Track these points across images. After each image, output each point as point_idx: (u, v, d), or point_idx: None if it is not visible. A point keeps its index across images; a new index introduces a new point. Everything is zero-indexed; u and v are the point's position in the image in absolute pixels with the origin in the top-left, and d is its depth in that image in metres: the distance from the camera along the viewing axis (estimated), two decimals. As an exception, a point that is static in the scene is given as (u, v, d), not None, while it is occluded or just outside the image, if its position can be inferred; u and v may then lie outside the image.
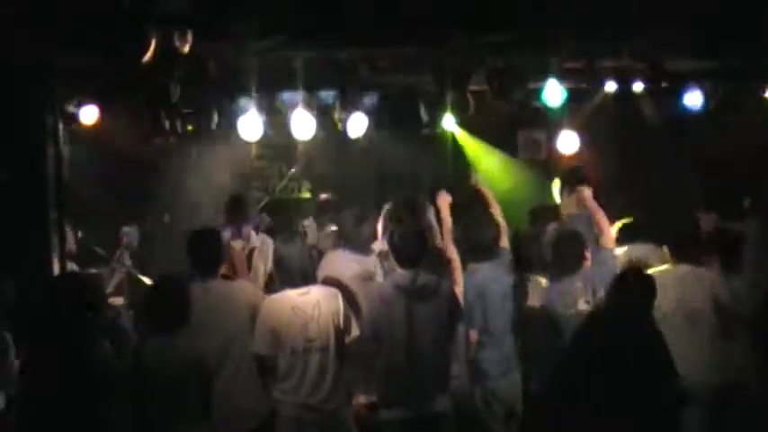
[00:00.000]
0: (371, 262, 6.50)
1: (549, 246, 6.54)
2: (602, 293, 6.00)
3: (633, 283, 5.48)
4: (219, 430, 5.33)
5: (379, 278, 6.44)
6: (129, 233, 6.73)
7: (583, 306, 6.05)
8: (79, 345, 4.97)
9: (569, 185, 7.13)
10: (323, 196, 8.12)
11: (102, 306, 5.43)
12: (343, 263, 6.32)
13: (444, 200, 6.50)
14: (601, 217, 6.44)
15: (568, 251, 6.22)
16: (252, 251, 7.15)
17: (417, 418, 5.59)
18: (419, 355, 5.60)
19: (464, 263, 6.27)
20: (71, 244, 7.04)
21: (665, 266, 6.44)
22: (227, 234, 7.04)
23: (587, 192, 6.64)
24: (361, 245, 6.44)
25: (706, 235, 6.70)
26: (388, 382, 5.67)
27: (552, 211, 7.49)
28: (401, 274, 5.75)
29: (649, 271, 6.11)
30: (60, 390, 4.90)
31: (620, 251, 6.74)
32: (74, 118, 7.78)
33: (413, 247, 5.75)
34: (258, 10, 6.98)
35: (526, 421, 6.22)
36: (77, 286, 5.20)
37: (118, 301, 7.10)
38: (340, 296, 5.85)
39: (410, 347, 5.59)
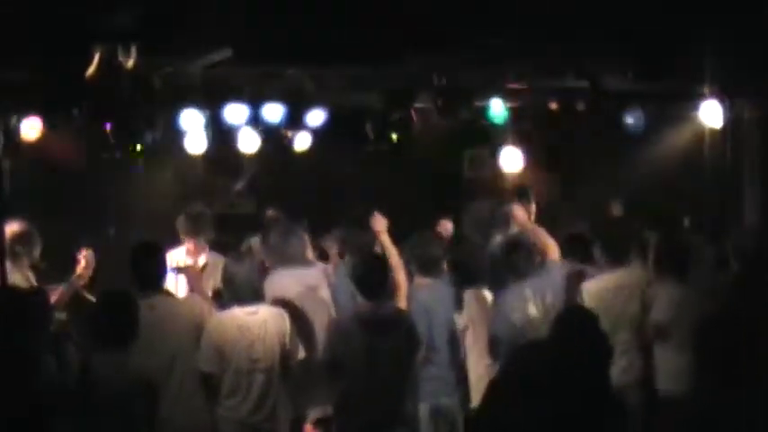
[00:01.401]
0: (313, 274, 6.47)
1: (497, 255, 6.58)
2: (549, 299, 6.14)
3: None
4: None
5: (324, 291, 6.42)
6: (88, 255, 6.66)
7: (533, 311, 6.13)
8: (22, 359, 4.91)
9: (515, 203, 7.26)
10: (270, 212, 8.09)
11: (46, 321, 5.37)
12: (284, 283, 6.28)
13: (380, 223, 6.48)
14: (539, 232, 6.52)
15: (521, 257, 6.28)
16: (204, 267, 7.10)
17: None
18: (379, 387, 5.60)
19: (410, 277, 6.31)
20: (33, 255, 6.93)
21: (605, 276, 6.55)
22: (181, 250, 6.99)
23: (519, 210, 6.76)
24: (289, 259, 6.39)
25: (657, 245, 6.83)
26: (346, 412, 5.68)
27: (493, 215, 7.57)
28: (363, 305, 5.74)
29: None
30: (2, 405, 4.83)
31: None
32: (15, 132, 7.67)
33: (376, 278, 5.73)
34: (203, 25, 6.98)
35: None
36: (18, 301, 5.14)
37: (60, 316, 7.00)
38: (287, 317, 5.84)
39: (370, 380, 5.60)
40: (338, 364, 5.66)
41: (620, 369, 6.02)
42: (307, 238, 6.66)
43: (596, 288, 6.56)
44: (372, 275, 5.75)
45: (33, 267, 6.89)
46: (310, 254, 6.72)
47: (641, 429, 6.26)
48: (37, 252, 6.85)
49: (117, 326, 5.18)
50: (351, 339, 5.63)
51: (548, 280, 6.24)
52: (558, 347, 4.51)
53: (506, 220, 7.28)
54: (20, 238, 6.73)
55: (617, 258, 6.69)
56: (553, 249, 6.45)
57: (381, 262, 5.95)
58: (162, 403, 5.31)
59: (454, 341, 6.37)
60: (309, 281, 6.43)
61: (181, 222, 7.29)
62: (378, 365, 5.59)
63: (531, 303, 6.14)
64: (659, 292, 6.50)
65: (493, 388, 4.61)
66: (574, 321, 4.66)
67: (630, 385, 6.32)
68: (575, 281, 6.62)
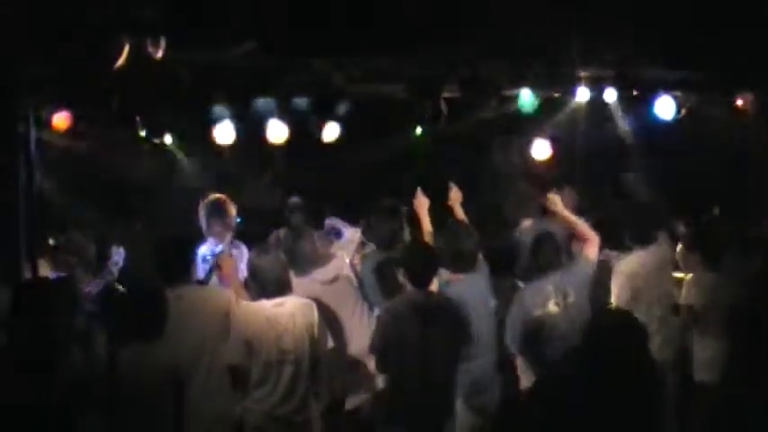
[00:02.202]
0: (327, 270, 6.45)
1: (526, 247, 6.53)
2: (572, 298, 6.06)
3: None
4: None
5: (342, 282, 6.39)
6: (118, 253, 6.70)
7: (553, 308, 6.08)
8: (50, 349, 4.94)
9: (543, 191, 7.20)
10: (293, 200, 8.09)
11: (74, 311, 5.41)
12: (301, 286, 6.19)
13: (422, 202, 6.47)
14: (577, 223, 6.41)
15: (547, 252, 6.23)
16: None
17: None
18: (429, 377, 5.54)
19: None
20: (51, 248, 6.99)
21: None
22: (212, 242, 7.01)
23: (556, 199, 6.56)
24: (300, 262, 6.38)
25: (688, 232, 6.80)
26: (396, 399, 5.63)
27: (524, 207, 7.54)
28: (415, 291, 5.65)
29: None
30: (30, 395, 4.87)
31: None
32: (46, 125, 7.74)
33: (427, 265, 5.68)
34: (231, 17, 6.99)
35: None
36: (46, 291, 5.17)
37: (91, 307, 7.05)
38: (315, 307, 5.83)
39: (421, 369, 5.53)
40: (389, 353, 5.60)
41: (656, 346, 5.98)
42: (315, 236, 6.62)
43: (629, 268, 6.60)
44: (422, 263, 5.68)
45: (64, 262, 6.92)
46: (324, 248, 6.69)
47: (674, 410, 6.23)
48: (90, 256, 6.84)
49: (145, 319, 5.21)
50: (404, 326, 5.56)
51: (573, 277, 6.16)
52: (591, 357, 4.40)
53: (540, 209, 7.22)
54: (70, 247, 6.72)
55: (644, 240, 6.66)
56: (592, 242, 6.33)
57: (431, 250, 5.88)
58: (189, 394, 5.34)
59: (493, 335, 6.24)
60: (324, 277, 6.42)
61: (204, 213, 7.28)
62: (430, 354, 5.53)
63: (552, 300, 6.08)
64: (692, 277, 6.50)
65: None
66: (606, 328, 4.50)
67: (666, 362, 6.28)
68: (604, 274, 6.58)
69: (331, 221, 7.42)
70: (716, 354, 6.21)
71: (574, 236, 6.49)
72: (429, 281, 5.67)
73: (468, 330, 5.79)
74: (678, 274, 6.82)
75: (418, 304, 5.59)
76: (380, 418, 5.75)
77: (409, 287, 5.70)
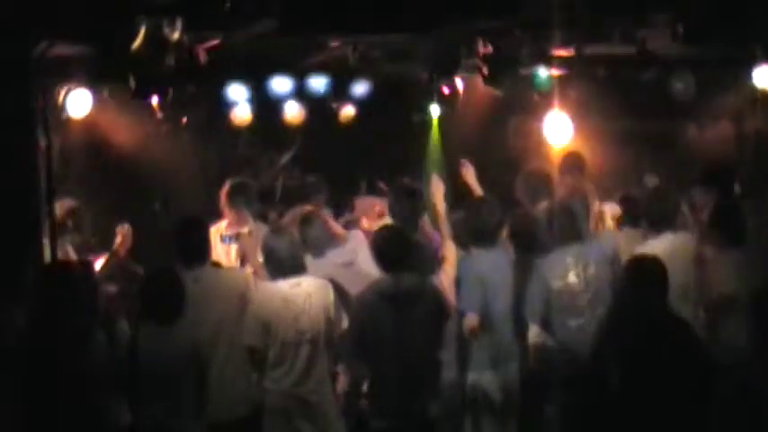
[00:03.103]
0: (340, 252, 6.45)
1: (544, 220, 6.50)
2: (593, 270, 6.04)
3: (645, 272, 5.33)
4: (212, 419, 5.35)
5: (357, 266, 6.39)
6: (125, 230, 6.73)
7: (572, 279, 6.05)
8: (71, 333, 4.96)
9: (566, 172, 7.22)
10: (311, 179, 8.09)
11: (93, 294, 5.43)
12: (313, 269, 6.22)
13: (438, 186, 6.48)
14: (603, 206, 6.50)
15: (563, 224, 6.21)
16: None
17: (409, 427, 5.58)
18: (408, 363, 5.56)
19: (465, 248, 6.26)
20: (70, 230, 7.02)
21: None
22: (233, 224, 7.02)
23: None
24: (313, 244, 6.39)
25: (710, 209, 6.71)
26: (378, 391, 5.67)
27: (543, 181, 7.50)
28: (383, 278, 5.66)
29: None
30: (54, 379, 4.90)
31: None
32: (63, 106, 7.74)
33: (394, 250, 5.66)
34: (248, -3, 6.96)
35: (525, 414, 6.16)
36: (65, 274, 5.19)
37: (111, 288, 7.08)
38: (331, 287, 5.83)
39: (398, 356, 5.56)
40: (366, 345, 5.62)
41: None
42: (326, 219, 6.62)
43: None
44: (390, 247, 5.67)
45: (84, 243, 6.96)
46: (338, 229, 6.69)
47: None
48: (85, 227, 6.92)
49: (163, 302, 5.23)
50: (375, 315, 5.59)
51: (594, 249, 6.14)
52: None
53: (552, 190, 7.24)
54: (69, 214, 6.79)
55: (662, 227, 6.59)
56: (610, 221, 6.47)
57: (400, 234, 5.86)
58: (209, 375, 5.36)
59: (515, 310, 6.23)
60: (338, 260, 6.43)
61: (224, 194, 7.31)
62: (404, 339, 5.55)
63: (573, 272, 6.06)
64: (718, 261, 6.35)
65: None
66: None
67: None
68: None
69: (364, 200, 7.44)
70: (738, 335, 6.14)
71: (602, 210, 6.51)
72: (398, 264, 5.62)
73: (444, 307, 5.80)
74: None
75: (387, 290, 5.59)
76: (369, 410, 5.77)
77: (379, 273, 5.68)
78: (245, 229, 6.99)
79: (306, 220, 6.54)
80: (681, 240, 6.58)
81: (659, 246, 6.42)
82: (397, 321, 5.55)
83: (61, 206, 6.67)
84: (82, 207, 6.98)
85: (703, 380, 5.19)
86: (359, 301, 5.77)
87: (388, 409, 5.61)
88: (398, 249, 5.67)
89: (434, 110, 9.08)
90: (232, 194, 7.22)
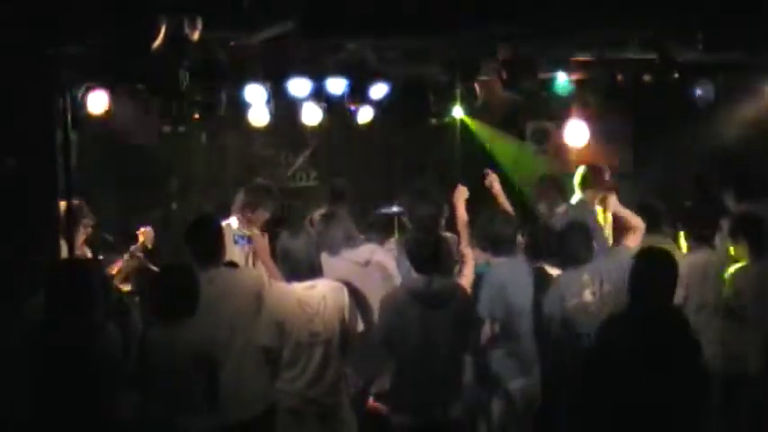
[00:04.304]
0: (359, 252, 6.44)
1: (558, 235, 6.49)
2: (609, 287, 5.99)
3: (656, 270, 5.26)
4: (225, 418, 5.35)
5: (373, 268, 6.40)
6: (147, 233, 6.74)
7: (588, 297, 6.02)
8: (85, 329, 4.97)
9: (593, 187, 7.32)
10: (338, 182, 8.06)
11: (105, 291, 5.44)
12: (330, 265, 6.19)
13: (461, 194, 6.49)
14: (634, 221, 6.55)
15: (577, 242, 6.18)
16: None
17: (430, 424, 5.55)
18: (433, 363, 5.55)
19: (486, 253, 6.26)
20: (87, 229, 7.04)
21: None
22: (233, 221, 7.02)
23: (614, 200, 6.85)
24: (331, 244, 6.38)
25: (734, 219, 6.68)
26: (401, 387, 5.65)
27: (557, 187, 7.49)
28: (416, 279, 5.68)
29: None
30: (65, 375, 4.91)
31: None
32: (82, 104, 7.78)
33: (427, 251, 5.67)
34: (268, -2, 6.97)
35: (542, 423, 6.14)
36: (77, 271, 5.20)
37: (125, 287, 7.11)
38: (346, 290, 5.82)
39: (424, 355, 5.54)
40: (392, 342, 5.63)
41: (709, 355, 5.83)
42: (347, 219, 6.62)
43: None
44: (424, 249, 5.69)
45: (88, 241, 6.98)
46: (356, 233, 6.70)
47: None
48: (89, 226, 6.93)
49: (175, 300, 5.22)
50: (404, 313, 5.59)
51: (611, 265, 6.09)
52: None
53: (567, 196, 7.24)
54: (81, 212, 6.82)
55: (702, 241, 6.59)
56: (636, 231, 6.45)
57: (433, 236, 5.89)
58: (223, 375, 5.35)
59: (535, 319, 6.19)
60: (356, 258, 6.42)
61: (241, 195, 7.31)
62: (432, 339, 5.54)
63: (589, 290, 6.03)
64: (738, 269, 6.34)
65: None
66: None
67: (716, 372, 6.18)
68: None
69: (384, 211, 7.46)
70: (756, 345, 6.10)
71: (619, 224, 6.50)
72: (430, 267, 5.64)
73: (474, 313, 5.81)
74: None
75: (419, 290, 5.59)
76: (391, 405, 5.75)
77: (412, 273, 5.71)
78: (257, 230, 6.99)
79: (326, 218, 6.54)
80: (717, 255, 6.57)
81: (699, 260, 6.43)
82: (425, 320, 5.55)
83: (75, 205, 6.70)
84: (95, 205, 6.99)
85: (698, 379, 5.17)
86: (389, 298, 5.76)
87: (410, 406, 5.59)
88: (430, 251, 5.68)
89: (454, 112, 9.08)
90: (250, 196, 7.24)
